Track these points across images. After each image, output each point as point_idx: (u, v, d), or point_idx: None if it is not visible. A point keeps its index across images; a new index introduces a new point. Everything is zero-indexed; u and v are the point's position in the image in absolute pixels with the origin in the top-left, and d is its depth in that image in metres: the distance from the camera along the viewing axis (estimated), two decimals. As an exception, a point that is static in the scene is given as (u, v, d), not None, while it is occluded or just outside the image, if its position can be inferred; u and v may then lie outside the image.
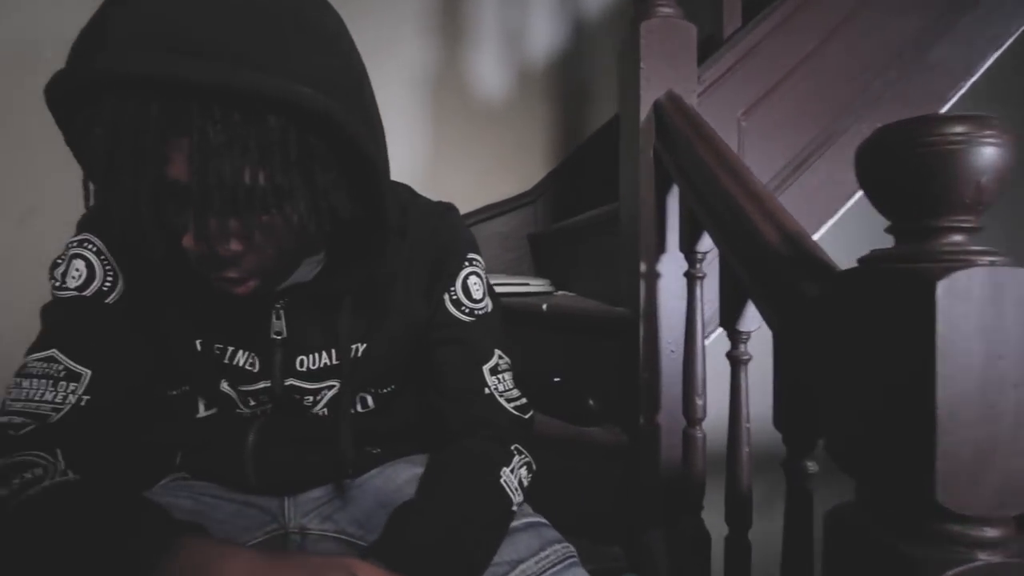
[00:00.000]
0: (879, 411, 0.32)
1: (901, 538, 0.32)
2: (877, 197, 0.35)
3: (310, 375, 0.58)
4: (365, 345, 0.59)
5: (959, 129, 0.30)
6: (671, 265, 0.78)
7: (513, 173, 1.82)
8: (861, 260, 0.37)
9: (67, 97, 0.39)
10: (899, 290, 0.31)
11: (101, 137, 0.37)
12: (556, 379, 0.95)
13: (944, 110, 0.90)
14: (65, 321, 0.52)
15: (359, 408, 0.63)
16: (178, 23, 0.36)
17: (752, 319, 0.58)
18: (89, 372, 0.50)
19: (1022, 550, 0.30)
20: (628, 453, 0.82)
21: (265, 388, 0.57)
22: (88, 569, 0.39)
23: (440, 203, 0.66)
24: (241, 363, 0.56)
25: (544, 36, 1.85)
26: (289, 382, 0.58)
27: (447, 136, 1.73)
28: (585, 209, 1.66)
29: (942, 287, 0.29)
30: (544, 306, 0.98)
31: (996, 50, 0.90)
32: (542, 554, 0.49)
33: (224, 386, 0.57)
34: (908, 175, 0.32)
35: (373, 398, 0.63)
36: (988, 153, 0.30)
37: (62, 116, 0.41)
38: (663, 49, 0.78)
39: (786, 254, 0.48)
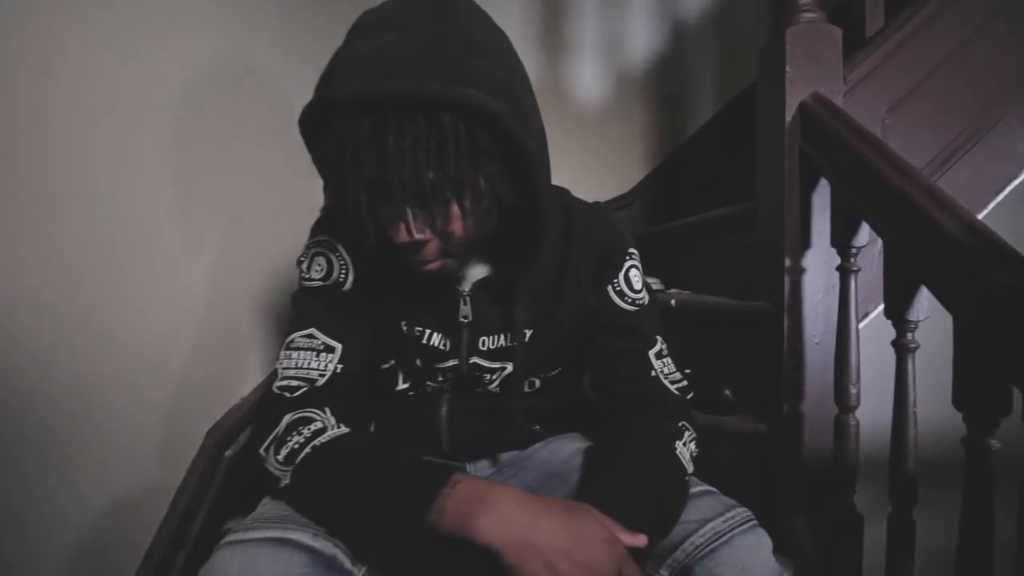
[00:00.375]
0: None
1: None
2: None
3: (489, 354, 0.67)
4: (535, 331, 0.67)
5: None
6: (816, 260, 0.81)
7: (611, 176, 1.87)
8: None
9: (313, 123, 0.51)
10: None
11: (331, 151, 0.49)
12: (687, 371, 0.99)
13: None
14: (316, 305, 0.64)
15: (526, 388, 0.72)
16: (380, 55, 0.47)
17: (921, 309, 0.61)
18: (340, 345, 0.62)
19: None
20: (767, 440, 0.86)
21: (452, 366, 0.67)
22: (380, 501, 0.50)
23: (597, 203, 0.74)
24: (435, 343, 0.66)
25: (642, 40, 1.90)
26: (472, 360, 0.67)
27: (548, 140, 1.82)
28: (686, 210, 1.69)
29: None
30: (673, 301, 1.03)
31: None
32: (727, 515, 0.55)
33: (419, 363, 0.67)
34: None
35: (540, 380, 0.72)
36: None
37: (309, 139, 0.54)
38: (808, 52, 0.81)
39: (970, 244, 0.51)
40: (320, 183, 0.58)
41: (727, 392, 0.92)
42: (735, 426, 0.89)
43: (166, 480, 0.83)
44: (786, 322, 0.82)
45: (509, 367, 0.67)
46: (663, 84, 1.90)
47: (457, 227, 0.53)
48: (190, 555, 0.81)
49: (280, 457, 0.54)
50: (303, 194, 1.13)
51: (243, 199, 0.97)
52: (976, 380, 0.50)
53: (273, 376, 0.63)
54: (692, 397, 0.68)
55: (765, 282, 0.86)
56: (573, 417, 0.78)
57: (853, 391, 0.73)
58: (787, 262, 0.82)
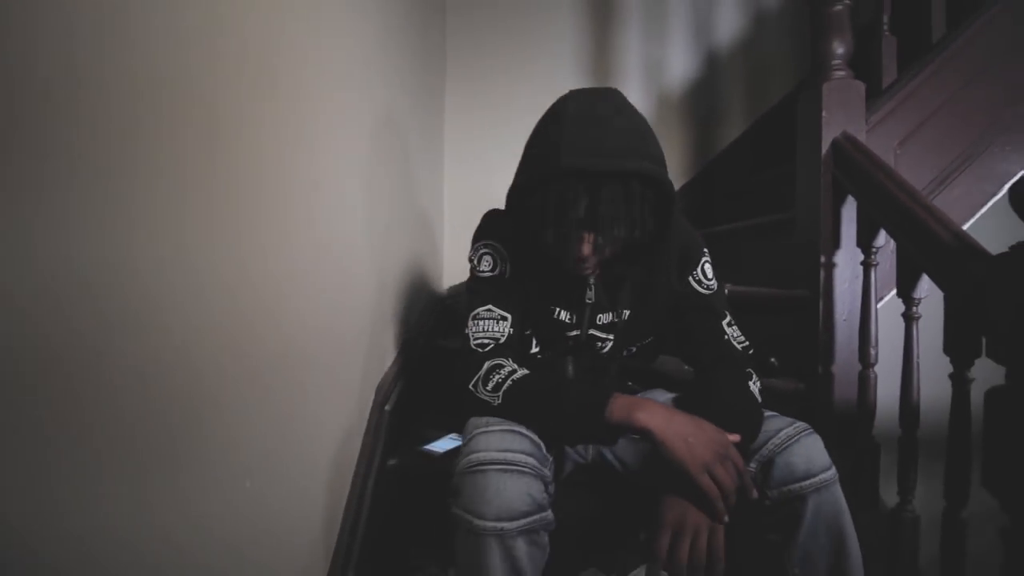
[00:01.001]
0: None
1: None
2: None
3: (602, 328, 0.94)
4: (633, 311, 0.94)
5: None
6: (844, 257, 1.08)
7: (652, 186, 2.13)
8: (1012, 248, 0.67)
9: (528, 183, 0.78)
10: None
11: (550, 204, 0.76)
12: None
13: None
14: (489, 289, 0.91)
15: (625, 353, 0.99)
16: (589, 138, 0.75)
17: (922, 289, 0.87)
18: (510, 316, 0.89)
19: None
20: (804, 396, 1.13)
21: (575, 335, 0.94)
22: (574, 405, 0.77)
23: (678, 213, 1.01)
24: (564, 318, 0.93)
25: (679, 67, 2.17)
26: (590, 331, 0.94)
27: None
28: (717, 217, 1.95)
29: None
30: (727, 290, 1.30)
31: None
32: (793, 426, 0.82)
33: (549, 333, 0.94)
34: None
35: (637, 347, 0.99)
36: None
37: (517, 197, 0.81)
38: (839, 101, 1.09)
39: (955, 246, 0.78)
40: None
41: (773, 360, 1.19)
42: (779, 386, 1.16)
43: (355, 426, 1.10)
44: (821, 304, 1.09)
45: (612, 341, 0.95)
46: (697, 105, 2.17)
47: (615, 247, 0.81)
48: (376, 479, 1.08)
49: (488, 387, 0.81)
50: (417, 211, 1.40)
51: (392, 212, 1.25)
52: (958, 333, 0.77)
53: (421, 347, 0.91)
54: (753, 354, 0.95)
55: (804, 274, 1.13)
56: (658, 379, 1.05)
57: (873, 352, 0.99)
58: (822, 258, 1.09)
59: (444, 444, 1.21)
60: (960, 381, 0.79)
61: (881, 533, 0.94)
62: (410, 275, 1.49)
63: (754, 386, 0.88)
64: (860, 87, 1.09)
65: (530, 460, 0.72)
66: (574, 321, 0.94)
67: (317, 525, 0.87)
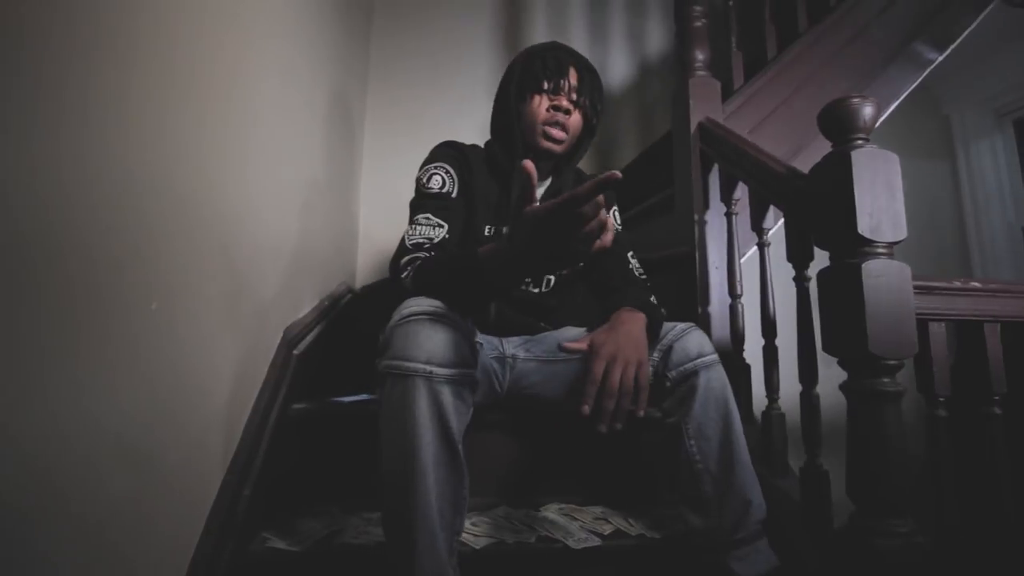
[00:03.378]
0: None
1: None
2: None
3: None
4: None
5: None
6: (713, 216, 1.29)
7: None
8: (821, 159, 0.88)
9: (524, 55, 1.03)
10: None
11: (549, 61, 1.02)
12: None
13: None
14: (431, 202, 1.00)
15: (543, 288, 1.10)
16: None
17: (770, 220, 1.08)
18: (447, 225, 0.97)
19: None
20: (689, 339, 1.28)
21: None
22: (458, 268, 0.83)
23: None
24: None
25: (618, 70, 2.46)
26: None
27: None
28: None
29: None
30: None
31: (895, 101, 1.49)
32: (685, 323, 0.96)
33: None
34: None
35: (555, 280, 1.10)
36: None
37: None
38: (702, 94, 1.34)
39: (786, 174, 0.99)
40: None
41: (662, 310, 1.35)
42: (668, 333, 1.31)
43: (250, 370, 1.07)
44: (697, 255, 1.28)
45: None
46: (630, 105, 2.46)
47: (577, 121, 1.02)
48: (277, 422, 1.04)
49: (404, 273, 0.87)
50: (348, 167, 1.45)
51: (319, 168, 1.30)
52: (795, 238, 0.97)
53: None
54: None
55: (684, 234, 1.33)
56: (572, 315, 1.16)
57: (738, 285, 1.18)
58: (696, 216, 1.29)
59: (355, 398, 1.20)
60: (801, 279, 0.97)
61: (756, 438, 1.08)
62: (331, 247, 1.51)
63: (653, 301, 1.01)
64: (716, 84, 1.36)
65: (457, 317, 0.77)
66: None
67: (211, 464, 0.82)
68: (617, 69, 2.49)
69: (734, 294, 1.18)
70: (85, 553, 0.53)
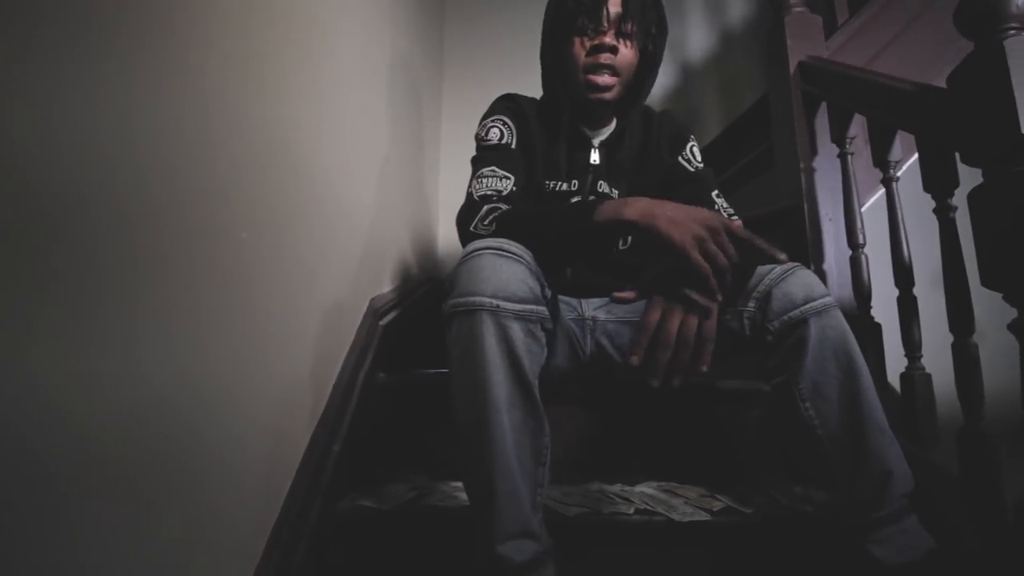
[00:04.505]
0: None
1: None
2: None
3: (602, 196, 0.98)
4: (630, 183, 0.99)
5: None
6: (822, 162, 1.15)
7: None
8: (956, 68, 0.73)
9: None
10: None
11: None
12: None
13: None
14: (493, 154, 0.95)
15: (622, 244, 1.01)
16: None
17: (896, 151, 0.93)
18: (513, 177, 0.92)
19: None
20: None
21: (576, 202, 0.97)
22: (555, 220, 0.77)
23: (666, 110, 1.09)
24: (565, 188, 0.97)
25: (698, 42, 2.35)
26: (591, 198, 0.98)
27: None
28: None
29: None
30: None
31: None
32: (789, 265, 0.83)
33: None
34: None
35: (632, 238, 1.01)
36: None
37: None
38: (800, 32, 1.21)
39: (915, 91, 0.85)
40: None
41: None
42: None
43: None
44: (806, 207, 1.13)
45: None
46: (715, 76, 2.33)
47: (630, 57, 0.91)
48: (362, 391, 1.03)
49: (486, 223, 0.81)
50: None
51: (390, 146, 1.31)
52: (934, 161, 0.82)
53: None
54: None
55: (787, 187, 1.19)
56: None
57: (860, 235, 1.02)
58: (802, 164, 1.15)
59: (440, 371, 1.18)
60: (944, 210, 0.81)
61: (896, 408, 0.92)
62: (408, 230, 1.53)
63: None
64: (818, 20, 1.22)
65: (527, 255, 0.72)
66: (575, 188, 0.97)
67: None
68: (696, 39, 2.36)
69: (855, 244, 1.03)
70: (185, 506, 0.54)
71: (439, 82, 2.09)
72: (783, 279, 0.80)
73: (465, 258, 0.70)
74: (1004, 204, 0.67)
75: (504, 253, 0.70)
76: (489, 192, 0.89)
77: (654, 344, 0.70)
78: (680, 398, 1.03)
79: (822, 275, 1.10)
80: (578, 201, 0.82)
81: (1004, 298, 0.68)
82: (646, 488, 0.97)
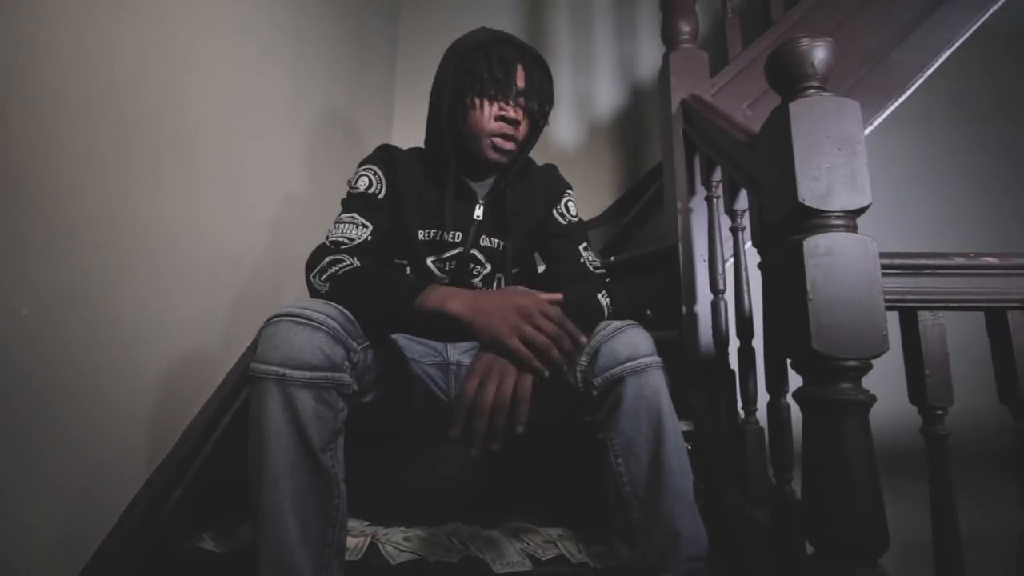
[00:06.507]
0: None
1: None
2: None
3: (483, 251, 1.00)
4: (509, 241, 0.99)
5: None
6: (698, 203, 1.13)
7: (587, 204, 2.23)
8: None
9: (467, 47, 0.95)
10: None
11: (492, 61, 0.92)
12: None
13: (904, 97, 1.22)
14: (357, 201, 0.96)
15: (495, 286, 1.02)
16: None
17: (740, 202, 0.92)
18: (370, 226, 0.94)
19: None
20: (676, 342, 1.13)
21: (456, 254, 0.99)
22: (380, 295, 0.79)
23: (547, 164, 1.10)
24: (448, 238, 0.98)
25: (608, 98, 2.36)
26: (472, 251, 0.99)
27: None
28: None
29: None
30: (612, 258, 1.34)
31: (948, 49, 1.23)
32: (622, 321, 0.83)
33: (429, 261, 0.98)
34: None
35: (504, 279, 1.03)
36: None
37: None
38: (684, 68, 1.20)
39: (746, 141, 0.84)
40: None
41: (648, 312, 1.21)
42: (656, 337, 1.16)
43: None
44: (680, 248, 1.13)
45: (489, 268, 0.99)
46: (625, 132, 2.33)
47: (525, 128, 0.95)
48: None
49: (322, 278, 0.84)
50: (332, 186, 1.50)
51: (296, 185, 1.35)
52: (754, 216, 0.81)
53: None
54: (609, 281, 0.98)
55: (671, 225, 1.18)
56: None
57: (721, 284, 1.02)
58: (678, 204, 1.14)
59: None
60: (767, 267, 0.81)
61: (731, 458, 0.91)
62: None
63: (603, 298, 0.90)
64: (703, 56, 1.20)
65: (331, 322, 0.73)
66: (459, 240, 0.98)
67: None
68: (646, 60, 2.35)
69: (716, 289, 1.02)
70: None
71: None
72: (613, 336, 0.80)
73: (265, 324, 0.72)
74: (781, 271, 0.66)
75: (302, 320, 0.71)
76: (341, 239, 0.91)
77: (470, 413, 0.71)
78: (557, 437, 1.04)
79: (694, 318, 1.09)
80: (410, 280, 0.83)
81: (791, 365, 0.68)
82: (495, 532, 0.98)
